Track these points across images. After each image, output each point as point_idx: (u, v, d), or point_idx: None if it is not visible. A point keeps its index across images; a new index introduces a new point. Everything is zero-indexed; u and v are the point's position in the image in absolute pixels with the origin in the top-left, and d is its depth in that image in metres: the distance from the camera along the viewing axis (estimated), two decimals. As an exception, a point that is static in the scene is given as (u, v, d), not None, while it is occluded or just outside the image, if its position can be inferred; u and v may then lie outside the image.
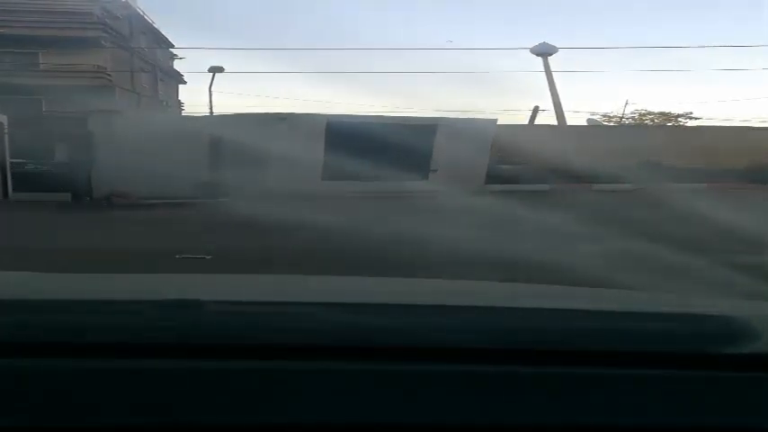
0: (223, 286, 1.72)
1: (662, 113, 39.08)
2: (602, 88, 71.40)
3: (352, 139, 16.77)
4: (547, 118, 26.36)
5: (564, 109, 25.61)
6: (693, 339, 1.09)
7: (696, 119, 37.58)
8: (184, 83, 43.48)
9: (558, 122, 25.62)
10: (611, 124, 37.08)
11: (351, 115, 20.65)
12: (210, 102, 29.06)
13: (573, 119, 26.80)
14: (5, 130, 16.84)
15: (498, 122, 22.08)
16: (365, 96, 70.63)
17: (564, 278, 3.48)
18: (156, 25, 36.23)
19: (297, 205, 10.65)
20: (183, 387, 0.96)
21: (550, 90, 25.54)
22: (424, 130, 19.91)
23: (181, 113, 34.17)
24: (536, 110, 27.69)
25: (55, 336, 1.03)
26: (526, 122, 26.99)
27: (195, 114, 22.98)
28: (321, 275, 2.93)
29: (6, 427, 0.90)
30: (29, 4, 30.63)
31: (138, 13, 34.54)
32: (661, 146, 21.56)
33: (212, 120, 19.45)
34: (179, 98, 43.26)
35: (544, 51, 26.08)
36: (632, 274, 4.72)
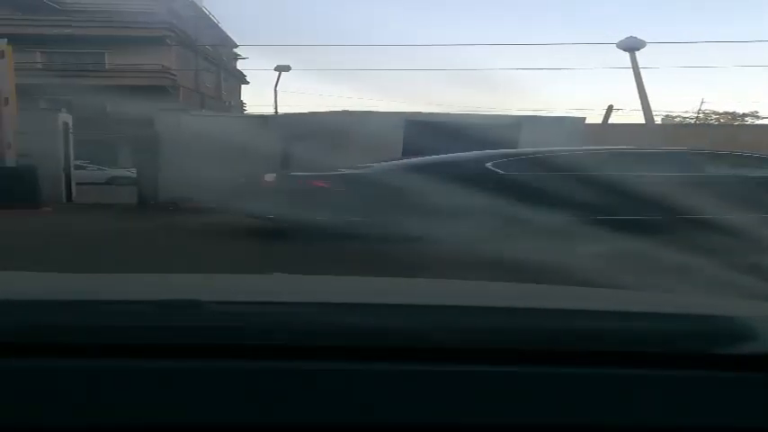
0: (223, 286, 1.67)
1: (726, 113, 37.44)
2: (669, 86, 68.45)
3: (431, 138, 15.65)
4: (620, 118, 25.04)
5: (633, 108, 24.08)
6: (693, 339, 1.09)
7: (763, 118, 35.75)
8: (247, 83, 43.54)
9: (646, 121, 24.05)
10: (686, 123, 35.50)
11: (430, 113, 19.56)
12: (276, 101, 28.24)
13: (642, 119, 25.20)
14: (70, 130, 16.05)
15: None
16: (436, 94, 69.25)
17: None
18: (220, 25, 35.84)
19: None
20: (183, 387, 0.96)
21: (638, 87, 23.93)
22: (508, 128, 18.67)
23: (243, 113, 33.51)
24: (610, 109, 26.26)
25: (55, 336, 1.02)
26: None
27: (266, 113, 22.06)
28: (321, 275, 2.84)
29: (6, 426, 0.91)
30: (95, 5, 30.47)
31: (204, 13, 34.15)
32: (750, 146, 19.95)
33: (284, 119, 18.46)
34: (241, 98, 43.15)
35: (632, 46, 24.49)
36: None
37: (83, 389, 0.95)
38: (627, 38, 24.67)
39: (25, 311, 1.11)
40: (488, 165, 8.70)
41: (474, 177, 8.16)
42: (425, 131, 16.64)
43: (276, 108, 28.09)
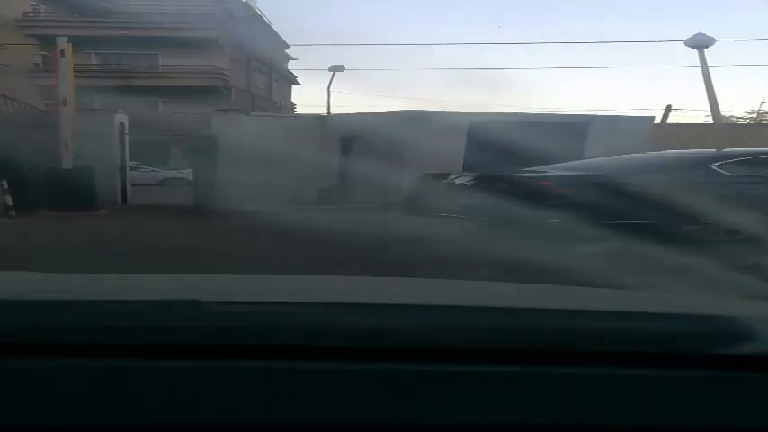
0: (223, 286, 1.65)
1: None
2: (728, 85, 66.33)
3: (495, 140, 15.13)
4: (678, 118, 24.13)
5: (691, 108, 23.11)
6: (693, 339, 1.09)
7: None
8: (297, 84, 43.40)
9: (714, 121, 23.10)
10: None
11: (494, 113, 18.95)
12: (329, 101, 27.82)
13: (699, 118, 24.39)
14: (126, 132, 15.79)
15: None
16: (496, 96, 68.10)
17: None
18: (273, 26, 35.64)
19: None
20: (183, 387, 0.96)
21: (706, 86, 22.90)
22: (575, 128, 18.01)
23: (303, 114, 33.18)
24: (669, 109, 25.42)
25: (55, 336, 1.03)
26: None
27: (323, 114, 21.59)
28: (321, 275, 2.79)
29: (6, 426, 0.91)
30: (149, 6, 30.48)
31: (257, 13, 33.97)
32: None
33: (343, 119, 17.96)
34: (291, 99, 43.00)
35: (700, 43, 23.46)
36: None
37: (83, 389, 0.95)
38: (695, 35, 23.65)
39: (25, 311, 1.11)
40: (713, 166, 8.58)
41: (700, 178, 8.15)
42: (490, 132, 16.16)
43: (329, 108, 27.69)
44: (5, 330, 1.02)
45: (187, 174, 26.83)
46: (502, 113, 19.41)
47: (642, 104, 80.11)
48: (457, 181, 9.44)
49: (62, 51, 12.98)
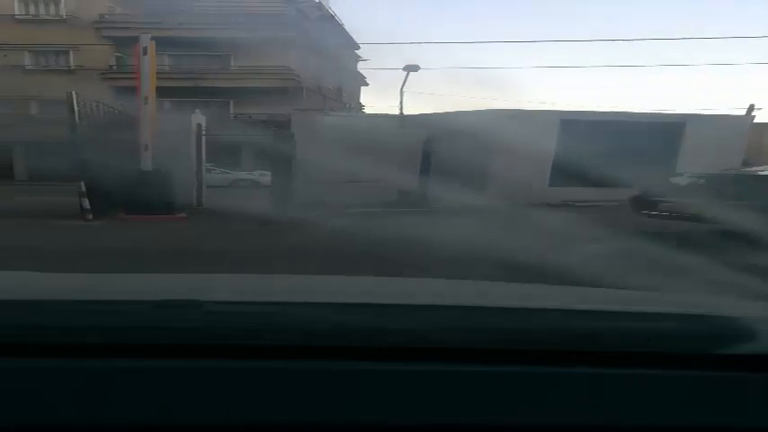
0: (223, 286, 1.65)
1: None
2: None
3: (587, 139, 14.54)
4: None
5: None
6: (693, 339, 1.09)
7: None
8: (366, 85, 42.94)
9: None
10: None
11: (587, 112, 18.13)
12: (401, 102, 27.04)
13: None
14: (203, 132, 15.35)
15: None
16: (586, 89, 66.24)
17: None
18: (344, 26, 35.23)
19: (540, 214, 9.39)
20: (183, 387, 0.96)
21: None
22: (672, 128, 17.09)
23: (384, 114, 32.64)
24: (751, 108, 24.10)
25: (55, 336, 1.03)
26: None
27: (404, 113, 20.93)
28: (321, 275, 2.62)
29: (6, 426, 0.91)
30: (222, 7, 30.39)
31: (329, 14, 33.58)
32: None
33: (424, 119, 17.31)
34: (359, 100, 42.59)
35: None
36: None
37: (83, 389, 0.95)
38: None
39: (25, 311, 1.12)
40: None
41: None
42: (582, 131, 15.39)
43: (401, 109, 26.99)
44: (5, 330, 1.03)
45: (257, 175, 26.68)
46: (596, 112, 18.66)
47: (711, 103, 77.11)
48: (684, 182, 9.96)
49: (144, 49, 12.61)
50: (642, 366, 1.00)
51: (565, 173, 15.05)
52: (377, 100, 52.97)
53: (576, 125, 15.86)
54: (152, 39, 12.96)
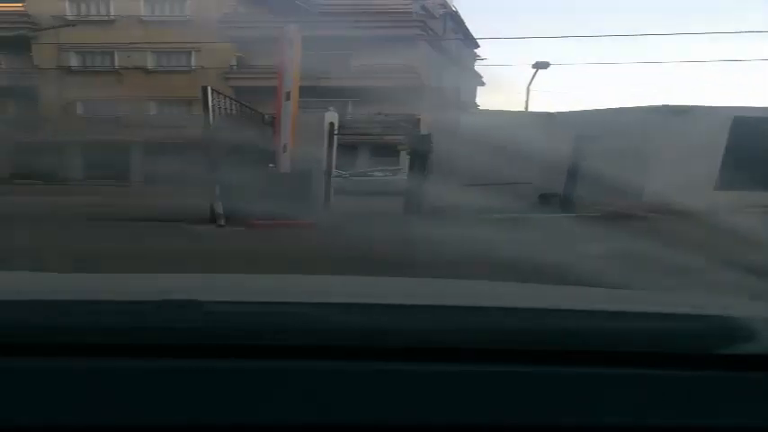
0: (223, 286, 1.65)
1: None
2: None
3: (763, 138, 12.98)
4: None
5: None
6: (694, 339, 1.08)
7: None
8: (483, 84, 41.80)
9: None
10: None
11: (763, 108, 16.32)
12: (527, 101, 25.85)
13: None
14: (335, 132, 14.62)
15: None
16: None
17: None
18: (466, 24, 34.30)
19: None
20: (184, 387, 0.95)
21: None
22: None
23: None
24: None
25: (55, 336, 1.03)
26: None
27: (554, 111, 19.78)
28: (321, 275, 2.65)
29: (6, 426, 0.90)
30: (344, 6, 29.98)
31: (453, 11, 32.70)
32: None
33: (571, 116, 16.13)
34: (475, 100, 41.54)
35: None
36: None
37: (83, 389, 0.94)
38: None
39: (25, 311, 1.11)
40: None
41: None
42: (758, 130, 13.79)
43: (527, 107, 25.81)
44: (5, 330, 1.02)
45: (377, 176, 26.02)
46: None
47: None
48: None
49: (290, 41, 11.89)
50: (642, 366, 1.00)
51: (737, 176, 13.56)
52: (489, 98, 51.20)
53: (751, 123, 14.23)
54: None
